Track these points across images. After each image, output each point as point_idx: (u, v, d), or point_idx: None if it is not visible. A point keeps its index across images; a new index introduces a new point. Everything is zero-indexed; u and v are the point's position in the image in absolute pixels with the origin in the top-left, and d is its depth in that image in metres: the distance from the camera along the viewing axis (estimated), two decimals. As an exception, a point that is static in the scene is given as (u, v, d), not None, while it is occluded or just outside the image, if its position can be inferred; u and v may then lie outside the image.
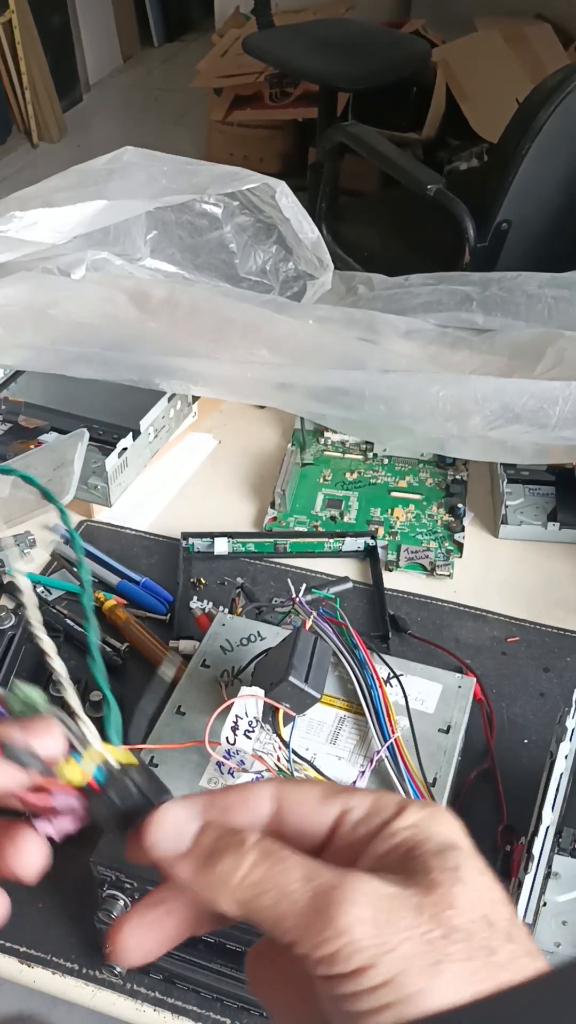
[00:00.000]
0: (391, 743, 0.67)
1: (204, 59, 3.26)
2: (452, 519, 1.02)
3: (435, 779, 0.67)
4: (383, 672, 0.72)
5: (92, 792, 0.39)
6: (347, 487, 1.06)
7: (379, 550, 0.97)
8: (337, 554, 0.98)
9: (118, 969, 0.66)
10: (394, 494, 1.06)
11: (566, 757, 0.70)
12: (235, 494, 1.07)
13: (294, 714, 0.66)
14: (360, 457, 1.10)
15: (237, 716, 0.64)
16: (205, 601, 0.91)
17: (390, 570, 0.97)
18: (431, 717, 0.71)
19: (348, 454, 1.10)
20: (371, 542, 0.98)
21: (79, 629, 0.89)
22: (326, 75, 2.38)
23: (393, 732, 0.68)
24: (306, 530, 1.01)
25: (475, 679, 0.76)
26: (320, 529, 1.01)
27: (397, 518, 1.02)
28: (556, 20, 2.89)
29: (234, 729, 0.64)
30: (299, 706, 0.66)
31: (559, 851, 0.68)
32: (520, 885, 0.64)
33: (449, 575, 0.96)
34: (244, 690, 0.65)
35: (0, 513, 0.98)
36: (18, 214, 1.01)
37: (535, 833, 0.66)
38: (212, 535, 0.97)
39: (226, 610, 0.84)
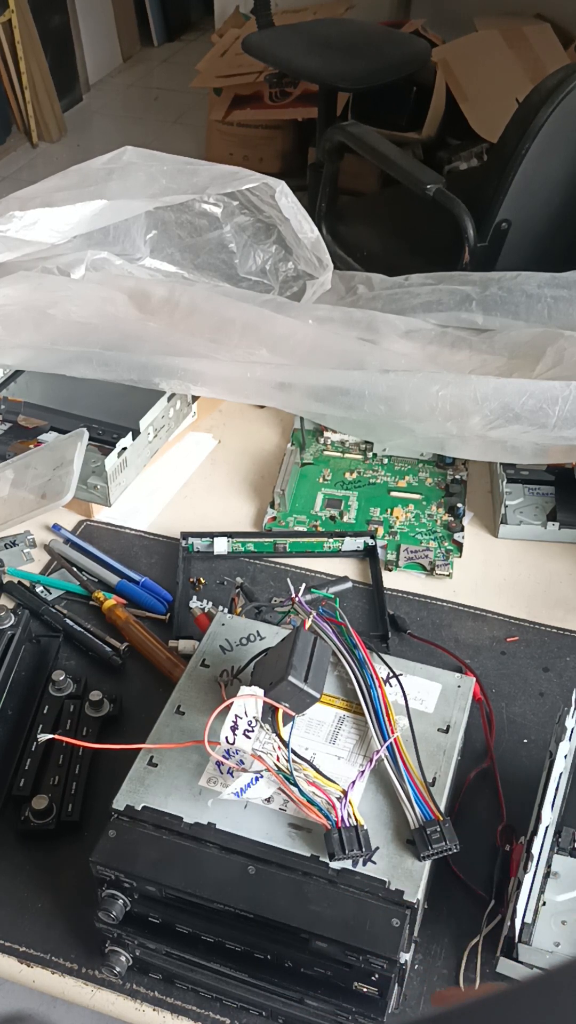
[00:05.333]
0: (390, 743, 0.67)
1: (204, 59, 3.26)
2: (452, 519, 1.02)
3: (435, 779, 0.67)
4: (382, 672, 0.72)
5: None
6: (347, 487, 1.06)
7: (378, 550, 0.97)
8: (337, 554, 0.98)
9: (117, 969, 0.66)
10: (394, 494, 1.06)
11: (565, 757, 0.70)
12: (235, 494, 1.07)
13: (293, 714, 0.66)
14: (360, 457, 1.10)
15: (236, 716, 0.64)
16: (205, 601, 0.91)
17: (389, 570, 0.97)
18: (431, 717, 0.71)
19: (348, 454, 1.10)
20: (370, 542, 0.98)
21: (79, 629, 0.89)
22: (326, 75, 2.37)
23: (392, 732, 0.68)
24: (306, 530, 1.01)
25: (474, 679, 0.76)
26: (320, 529, 1.01)
27: (397, 518, 1.02)
28: (556, 20, 2.89)
29: (233, 729, 0.64)
30: (298, 706, 0.66)
31: (558, 850, 0.68)
32: (520, 884, 0.64)
33: (448, 575, 0.96)
34: (244, 690, 0.65)
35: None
36: (18, 214, 1.01)
37: (535, 832, 0.66)
38: (212, 535, 0.97)
39: (226, 610, 0.84)
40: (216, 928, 0.63)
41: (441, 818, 0.64)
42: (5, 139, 3.72)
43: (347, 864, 0.62)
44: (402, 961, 0.59)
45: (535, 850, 0.65)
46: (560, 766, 0.70)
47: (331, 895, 0.61)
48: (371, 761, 0.67)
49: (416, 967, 0.67)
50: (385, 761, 0.67)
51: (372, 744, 0.68)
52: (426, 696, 0.72)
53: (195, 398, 1.12)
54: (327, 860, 0.62)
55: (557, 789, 0.69)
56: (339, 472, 1.08)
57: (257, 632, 0.77)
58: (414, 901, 0.60)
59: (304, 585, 0.75)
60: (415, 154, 2.72)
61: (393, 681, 0.71)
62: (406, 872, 0.62)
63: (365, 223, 2.00)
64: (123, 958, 0.66)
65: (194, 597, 0.92)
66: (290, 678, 0.65)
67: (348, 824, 0.62)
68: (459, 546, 0.99)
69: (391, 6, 3.21)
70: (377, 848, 0.62)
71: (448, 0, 3.12)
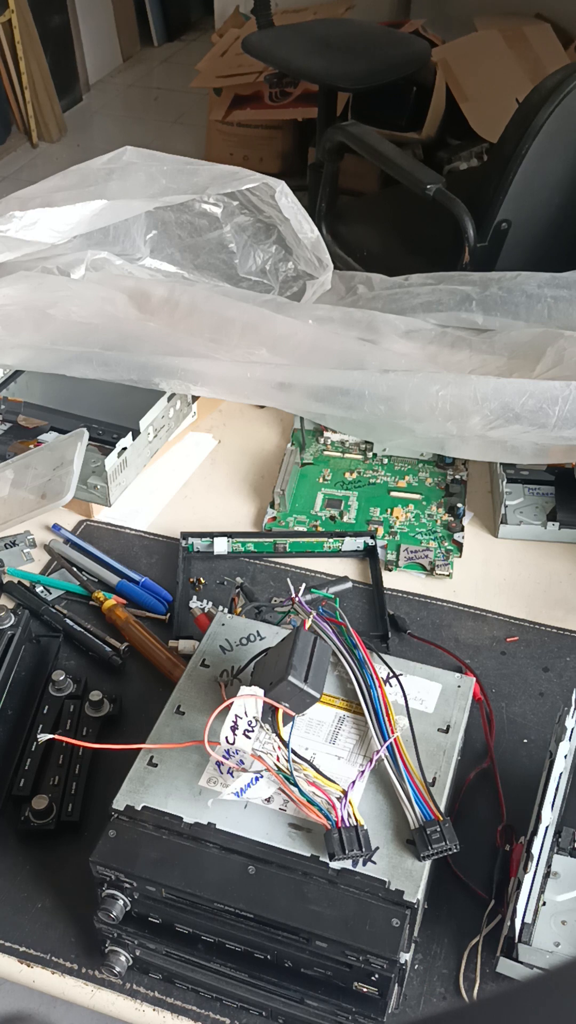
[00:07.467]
0: (390, 743, 0.67)
1: (204, 59, 3.25)
2: (452, 519, 1.02)
3: (435, 779, 0.67)
4: (382, 672, 0.72)
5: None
6: (347, 487, 1.06)
7: (379, 550, 0.97)
8: (337, 554, 0.98)
9: (117, 968, 0.66)
10: (394, 494, 1.06)
11: (565, 756, 0.70)
12: (235, 494, 1.07)
13: (293, 714, 0.66)
14: (360, 457, 1.10)
15: (236, 716, 0.64)
16: (205, 601, 0.91)
17: (389, 570, 0.97)
18: (431, 717, 0.71)
19: (348, 454, 1.10)
20: (371, 542, 0.98)
21: (79, 629, 0.89)
22: (326, 75, 2.37)
23: (392, 732, 0.68)
24: (306, 530, 1.01)
25: (474, 679, 0.76)
26: (320, 529, 1.01)
27: (397, 518, 1.02)
28: (556, 20, 2.89)
29: (233, 729, 0.64)
30: (298, 706, 0.66)
31: (558, 850, 0.68)
32: (520, 885, 0.64)
33: (448, 575, 0.96)
34: (244, 690, 0.65)
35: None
36: (18, 214, 1.01)
37: (535, 832, 0.66)
38: (212, 535, 0.97)
39: (226, 610, 0.84)
40: (216, 928, 0.63)
41: (441, 818, 0.64)
42: (5, 139, 3.72)
43: (347, 864, 0.62)
44: (402, 961, 0.59)
45: (535, 850, 0.65)
46: (560, 766, 0.70)
47: (331, 895, 0.61)
48: (371, 761, 0.67)
49: (416, 967, 0.67)
50: (385, 761, 0.67)
51: (372, 744, 0.68)
52: (426, 696, 0.72)
53: (195, 398, 1.12)
54: (327, 860, 0.62)
55: (557, 789, 0.69)
56: (339, 472, 1.08)
57: (257, 632, 0.77)
58: (414, 901, 0.60)
59: (304, 585, 0.75)
60: (415, 154, 2.73)
61: (393, 681, 0.72)
62: (406, 872, 0.62)
63: (365, 223, 2.00)
64: (123, 958, 0.66)
65: (194, 597, 0.92)
66: (290, 678, 0.65)
67: (348, 824, 0.62)
68: (459, 546, 0.99)
69: (391, 6, 3.21)
70: (377, 848, 0.62)
71: (448, 0, 3.12)
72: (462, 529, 1.01)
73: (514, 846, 0.71)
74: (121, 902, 0.64)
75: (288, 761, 0.64)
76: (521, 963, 0.64)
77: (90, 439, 0.99)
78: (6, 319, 1.00)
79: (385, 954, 0.58)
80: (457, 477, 1.07)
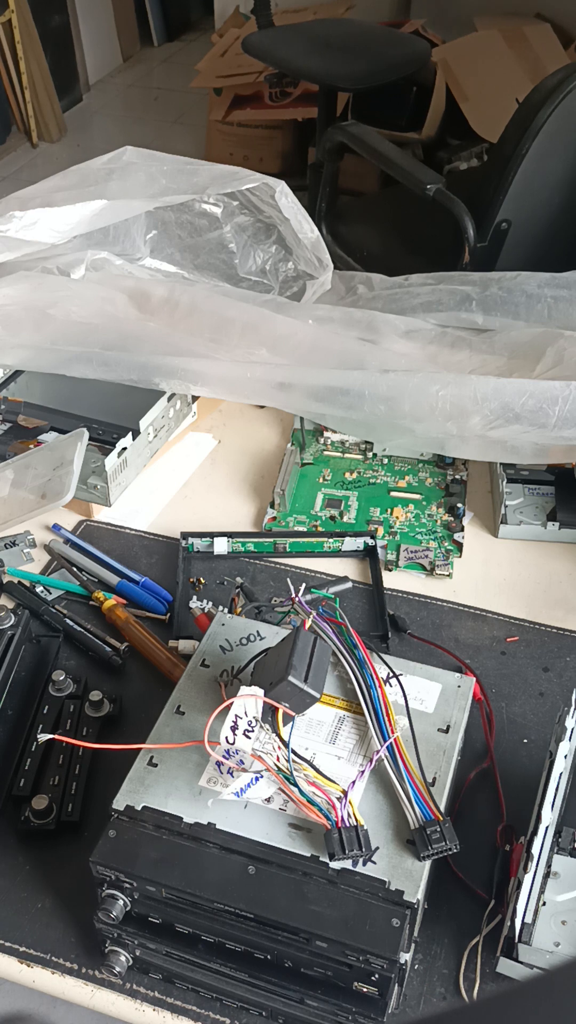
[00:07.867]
0: (390, 743, 0.67)
1: (204, 59, 3.26)
2: (452, 519, 1.02)
3: (435, 779, 0.67)
4: (382, 672, 0.72)
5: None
6: (347, 487, 1.06)
7: (379, 550, 0.97)
8: (337, 554, 0.98)
9: (117, 969, 0.66)
10: (394, 494, 1.06)
11: (565, 756, 0.70)
12: (235, 494, 1.07)
13: (293, 714, 0.66)
14: (360, 457, 1.10)
15: (236, 716, 0.64)
16: (205, 601, 0.91)
17: (389, 570, 0.97)
18: (431, 717, 0.71)
19: (348, 454, 1.10)
20: (371, 542, 0.98)
21: (79, 629, 0.89)
22: (326, 75, 2.37)
23: (392, 732, 0.68)
24: (306, 530, 1.01)
25: (474, 679, 0.76)
26: (320, 529, 1.01)
27: (397, 518, 1.02)
28: (556, 20, 2.89)
29: (233, 729, 0.64)
30: (298, 706, 0.66)
31: (558, 851, 0.68)
32: (520, 885, 0.64)
33: (448, 575, 0.96)
34: (244, 690, 0.65)
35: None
36: (18, 214, 1.01)
37: (535, 832, 0.66)
38: (212, 535, 0.97)
39: (226, 610, 0.84)
40: (216, 928, 0.63)
41: (441, 818, 0.64)
42: (5, 139, 3.72)
43: (347, 864, 0.62)
44: (402, 961, 0.59)
45: (535, 850, 0.65)
46: (560, 766, 0.70)
47: (331, 895, 0.61)
48: (371, 761, 0.67)
49: (416, 967, 0.67)
50: (385, 761, 0.67)
51: (372, 744, 0.68)
52: (426, 696, 0.72)
53: (195, 398, 1.12)
54: (327, 860, 0.62)
55: (557, 789, 0.69)
56: (339, 472, 1.08)
57: (257, 632, 0.77)
58: (414, 901, 0.60)
59: (304, 585, 0.75)
60: (415, 154, 2.73)
61: (393, 681, 0.72)
62: (406, 872, 0.62)
63: (365, 223, 2.00)
64: (123, 958, 0.66)
65: (194, 597, 0.92)
66: (290, 678, 0.65)
67: (348, 824, 0.62)
68: (459, 546, 0.99)
69: (391, 6, 3.21)
70: (377, 848, 0.62)
71: (448, 0, 3.12)
72: (462, 529, 1.01)
73: (514, 846, 0.71)
74: (121, 902, 0.64)
75: (288, 761, 0.64)
76: (521, 963, 0.64)
77: (90, 439, 0.99)
78: (6, 319, 1.00)
79: (385, 954, 0.58)
80: (457, 477, 1.07)
